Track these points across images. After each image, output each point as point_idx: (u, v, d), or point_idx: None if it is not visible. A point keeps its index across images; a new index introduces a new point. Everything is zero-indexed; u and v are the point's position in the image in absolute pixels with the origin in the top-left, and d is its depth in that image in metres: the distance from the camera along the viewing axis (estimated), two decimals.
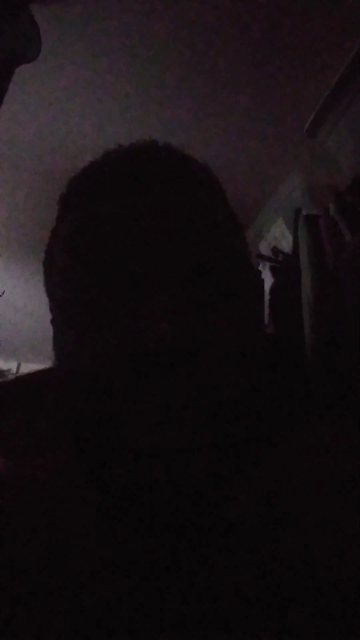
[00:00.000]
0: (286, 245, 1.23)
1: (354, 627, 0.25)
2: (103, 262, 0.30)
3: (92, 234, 0.31)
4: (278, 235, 1.35)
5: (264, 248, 1.34)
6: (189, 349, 0.28)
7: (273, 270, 1.04)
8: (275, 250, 1.18)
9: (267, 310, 0.90)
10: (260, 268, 1.09)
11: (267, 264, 1.09)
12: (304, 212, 1.05)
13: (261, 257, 1.14)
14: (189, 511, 0.28)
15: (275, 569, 0.27)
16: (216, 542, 0.29)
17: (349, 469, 0.31)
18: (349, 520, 0.29)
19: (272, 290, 0.95)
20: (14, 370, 2.83)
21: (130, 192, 0.32)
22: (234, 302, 0.32)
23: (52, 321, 0.38)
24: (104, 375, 0.28)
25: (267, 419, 0.33)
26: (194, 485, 0.27)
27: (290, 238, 1.12)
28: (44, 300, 0.39)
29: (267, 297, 0.92)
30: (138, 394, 0.27)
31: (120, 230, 0.30)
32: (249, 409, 0.30)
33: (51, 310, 0.38)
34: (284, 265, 1.04)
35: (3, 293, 1.98)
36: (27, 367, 2.79)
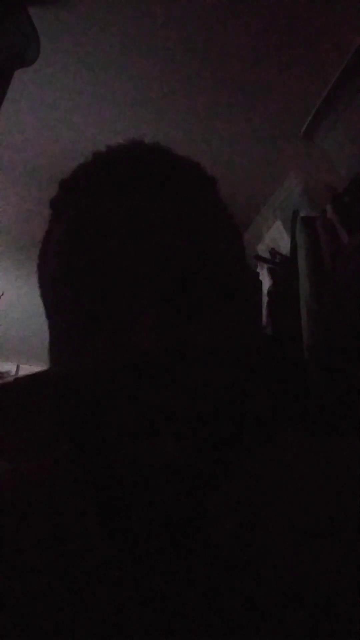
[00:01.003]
0: (284, 246, 1.23)
1: (328, 634, 0.25)
2: (92, 267, 0.30)
3: (80, 238, 0.31)
4: (276, 236, 1.35)
5: (262, 250, 1.34)
6: (174, 357, 0.27)
7: (271, 271, 1.04)
8: (273, 252, 1.19)
9: (265, 312, 0.90)
10: (258, 270, 1.09)
11: (265, 266, 1.10)
12: (301, 214, 1.05)
13: (259, 258, 1.14)
14: (173, 515, 0.28)
15: (249, 579, 0.27)
16: (194, 548, 0.29)
17: (327, 480, 0.31)
18: (325, 531, 0.28)
19: (270, 291, 0.96)
20: (12, 372, 2.83)
21: (121, 196, 0.31)
22: (226, 306, 0.31)
23: (48, 324, 0.37)
24: (92, 381, 0.28)
25: (257, 422, 0.34)
26: (177, 491, 0.27)
27: (288, 240, 1.12)
28: None
29: (264, 298, 0.92)
30: (123, 401, 0.27)
31: (108, 235, 0.30)
32: (236, 415, 0.30)
33: (46, 314, 0.37)
34: (281, 266, 1.05)
35: (2, 294, 1.98)
36: (26, 369, 2.78)
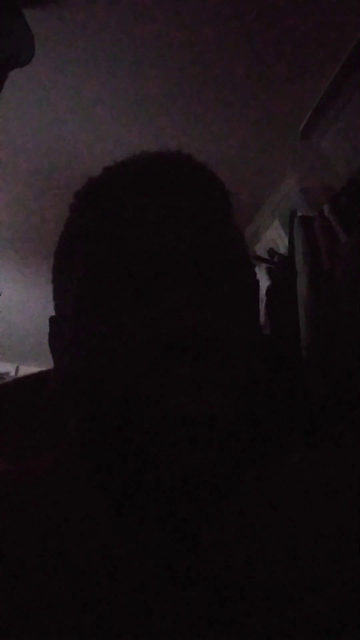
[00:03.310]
0: (282, 246, 1.24)
1: None
2: (131, 257, 0.32)
3: (119, 229, 0.33)
4: (274, 236, 1.35)
5: (260, 249, 1.34)
6: (211, 338, 0.29)
7: (269, 271, 1.05)
8: (271, 252, 1.19)
9: (263, 311, 0.91)
10: (256, 269, 1.09)
11: (263, 266, 1.10)
12: (299, 214, 1.06)
13: (257, 258, 1.15)
14: (185, 510, 0.29)
15: (243, 591, 0.28)
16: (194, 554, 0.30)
17: (333, 495, 0.33)
18: (326, 549, 0.30)
19: (268, 291, 0.96)
20: (12, 373, 2.83)
21: (153, 195, 0.34)
22: (239, 301, 0.34)
23: (56, 318, 0.38)
24: (129, 364, 0.30)
25: (259, 425, 0.35)
26: (200, 476, 0.28)
27: (286, 239, 1.13)
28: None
29: (263, 298, 0.93)
30: (165, 380, 0.29)
31: (145, 228, 0.33)
32: (260, 398, 0.32)
33: (60, 304, 0.39)
34: (279, 266, 1.05)
35: (1, 294, 1.98)
36: (26, 370, 2.78)
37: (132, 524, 0.31)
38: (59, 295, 0.38)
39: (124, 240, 0.32)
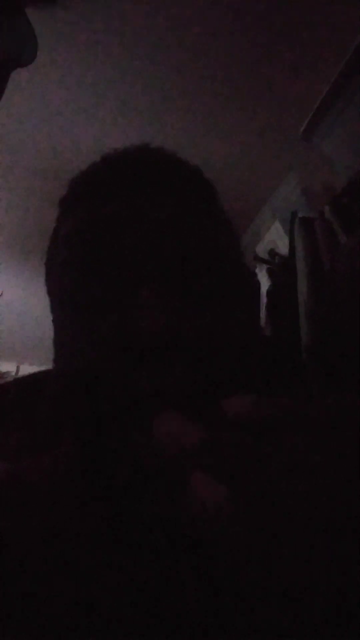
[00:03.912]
0: (283, 247, 1.24)
1: None
2: (100, 258, 0.32)
3: (90, 232, 0.33)
4: (275, 237, 1.36)
5: (261, 250, 1.34)
6: (177, 338, 0.29)
7: (270, 272, 1.05)
8: (272, 253, 1.19)
9: (263, 312, 0.91)
10: (257, 270, 1.10)
11: (264, 266, 1.10)
12: (300, 215, 1.06)
13: (258, 259, 1.15)
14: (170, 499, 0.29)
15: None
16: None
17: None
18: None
19: (269, 292, 0.96)
20: (12, 372, 2.83)
21: (126, 194, 0.34)
22: (220, 302, 0.33)
23: (54, 320, 0.38)
24: (100, 365, 0.30)
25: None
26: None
27: (287, 241, 1.13)
28: (44, 302, 0.40)
29: (263, 299, 0.93)
30: (131, 380, 0.29)
31: (116, 229, 0.32)
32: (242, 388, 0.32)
33: (52, 309, 0.39)
34: (280, 267, 1.05)
35: (2, 294, 1.98)
36: (26, 369, 2.78)
37: (128, 525, 0.31)
38: (51, 301, 0.39)
39: (95, 243, 0.33)
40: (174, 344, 0.29)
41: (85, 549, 0.30)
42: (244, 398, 0.22)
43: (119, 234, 0.32)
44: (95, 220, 0.33)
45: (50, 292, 0.39)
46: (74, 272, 0.33)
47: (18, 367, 2.93)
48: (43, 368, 0.50)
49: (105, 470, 0.32)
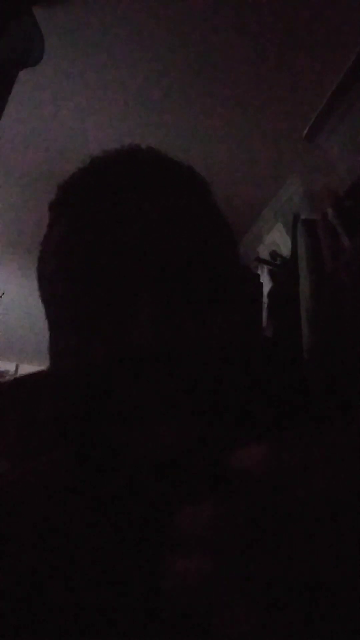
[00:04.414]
0: (285, 249, 1.23)
1: None
2: (90, 267, 0.31)
3: (78, 240, 0.32)
4: (277, 239, 1.35)
5: (263, 252, 1.34)
6: (170, 352, 0.28)
7: (271, 274, 1.04)
8: (274, 254, 1.19)
9: (265, 314, 0.90)
10: (259, 272, 1.09)
11: (266, 268, 1.10)
12: (302, 217, 1.05)
13: (260, 260, 1.15)
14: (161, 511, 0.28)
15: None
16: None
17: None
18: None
19: (271, 293, 0.96)
20: (12, 371, 2.83)
21: (118, 198, 0.32)
22: (219, 307, 0.32)
23: (48, 325, 0.38)
24: (94, 375, 0.29)
25: (256, 422, 0.34)
26: (168, 484, 0.28)
27: (288, 242, 1.12)
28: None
29: (265, 300, 0.92)
30: (122, 394, 0.28)
31: (106, 236, 0.31)
32: (232, 411, 0.31)
33: (46, 315, 0.38)
34: (282, 269, 1.05)
35: (2, 294, 1.98)
36: (26, 369, 2.78)
37: (123, 530, 0.30)
38: (43, 304, 0.38)
39: (86, 251, 0.31)
40: (170, 358, 0.28)
41: (81, 549, 0.30)
42: (254, 450, 0.19)
43: (110, 241, 0.31)
44: (84, 227, 0.32)
45: (43, 298, 0.38)
46: (64, 282, 0.32)
47: (17, 366, 2.93)
48: (43, 367, 0.50)
49: (100, 474, 0.32)
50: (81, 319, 0.31)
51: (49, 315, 0.37)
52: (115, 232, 0.31)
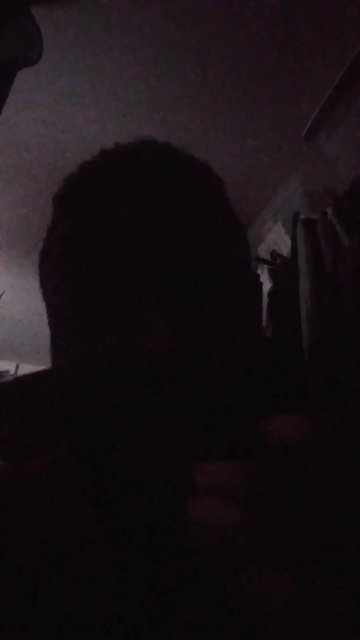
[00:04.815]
0: (284, 249, 1.23)
1: None
2: (100, 268, 0.29)
3: (88, 237, 0.30)
4: (276, 238, 1.35)
5: (263, 251, 1.34)
6: (188, 360, 0.27)
7: (271, 273, 1.04)
8: (274, 254, 1.19)
9: (265, 314, 0.90)
10: (258, 271, 1.09)
11: (266, 268, 1.10)
12: (302, 216, 1.05)
13: (259, 260, 1.14)
14: (168, 516, 0.28)
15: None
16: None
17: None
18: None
19: (271, 293, 0.96)
20: (12, 371, 2.83)
21: (129, 194, 0.30)
22: (233, 309, 0.31)
23: (49, 324, 0.37)
24: (99, 385, 0.28)
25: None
26: (176, 492, 0.27)
27: (288, 242, 1.12)
28: (44, 302, 0.39)
29: (265, 300, 0.92)
30: (134, 405, 0.27)
31: (118, 235, 0.29)
32: (249, 417, 0.30)
33: (48, 314, 0.37)
34: (282, 268, 1.05)
35: (3, 294, 1.98)
36: (26, 368, 2.78)
37: (121, 532, 0.30)
38: (45, 303, 0.37)
39: (93, 251, 0.29)
40: (181, 371, 0.27)
41: (82, 550, 0.30)
42: (288, 418, 0.19)
43: (119, 240, 0.29)
44: (93, 224, 0.30)
45: (45, 297, 0.37)
46: (68, 282, 0.30)
47: (17, 366, 2.93)
48: (43, 367, 0.50)
49: (103, 472, 0.32)
50: (91, 320, 0.29)
51: (52, 313, 0.35)
52: (127, 231, 0.29)
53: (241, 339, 0.31)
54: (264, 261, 1.12)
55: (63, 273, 0.31)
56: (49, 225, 0.37)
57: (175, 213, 0.30)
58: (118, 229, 0.29)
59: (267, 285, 1.00)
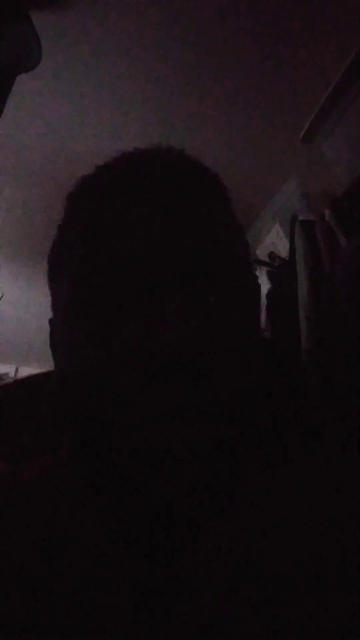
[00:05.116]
0: (283, 250, 1.24)
1: None
2: (117, 264, 0.30)
3: (107, 234, 0.31)
4: (275, 240, 1.36)
5: (261, 253, 1.34)
6: (205, 352, 0.28)
7: (270, 275, 1.05)
8: (272, 255, 1.19)
9: (263, 315, 0.91)
10: (257, 273, 1.10)
11: (264, 269, 1.10)
12: (300, 218, 1.06)
13: (258, 262, 1.15)
14: (182, 517, 0.28)
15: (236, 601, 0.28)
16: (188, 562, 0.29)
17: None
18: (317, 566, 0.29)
19: (269, 294, 0.96)
20: (11, 373, 2.82)
21: (148, 195, 0.32)
22: (238, 308, 0.32)
23: (53, 320, 0.37)
24: (115, 378, 0.28)
25: (260, 427, 0.34)
26: (197, 487, 0.27)
27: (286, 243, 1.13)
28: (43, 303, 0.39)
29: (263, 301, 0.93)
30: (152, 396, 0.27)
31: (136, 233, 0.30)
32: (258, 411, 0.31)
33: (54, 309, 0.38)
34: (280, 270, 1.05)
35: (2, 296, 1.98)
36: (25, 371, 2.78)
37: (123, 532, 0.30)
38: (54, 299, 0.38)
39: (110, 247, 0.30)
40: (204, 358, 0.28)
41: (78, 552, 0.30)
42: None
43: (137, 238, 0.30)
44: (114, 219, 0.31)
45: (53, 290, 0.37)
46: (86, 277, 0.31)
47: (17, 369, 2.93)
48: (42, 369, 0.50)
49: (104, 473, 0.32)
50: (105, 316, 0.30)
51: (63, 308, 0.36)
52: (146, 230, 0.30)
53: (245, 335, 0.32)
54: (262, 263, 1.13)
55: (78, 270, 0.32)
56: (61, 221, 0.38)
57: (189, 214, 0.32)
58: (138, 226, 0.31)
59: (265, 287, 1.00)
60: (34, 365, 2.57)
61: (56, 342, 0.37)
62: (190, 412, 0.27)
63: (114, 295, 0.30)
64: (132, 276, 0.30)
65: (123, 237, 0.30)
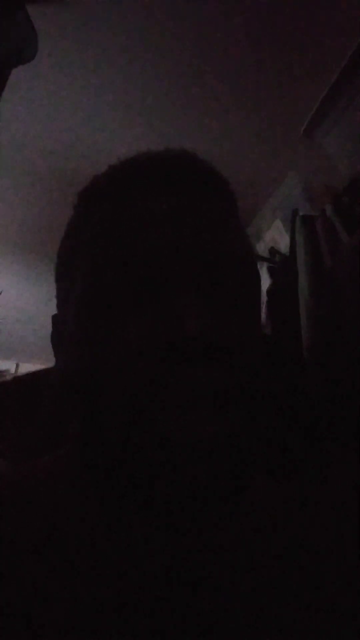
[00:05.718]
0: (283, 246, 1.23)
1: None
2: (136, 258, 0.31)
3: (125, 230, 0.32)
4: (275, 236, 1.35)
5: (262, 249, 1.34)
6: (221, 342, 0.29)
7: (270, 271, 1.04)
8: (273, 251, 1.19)
9: (264, 311, 0.91)
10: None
11: (265, 265, 1.10)
12: (301, 213, 1.05)
13: (259, 257, 1.15)
14: (193, 513, 0.29)
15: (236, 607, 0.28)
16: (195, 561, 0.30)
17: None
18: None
19: (270, 291, 0.96)
20: (12, 370, 2.83)
21: (166, 194, 0.34)
22: (244, 305, 0.33)
23: (58, 316, 0.37)
24: (132, 367, 0.29)
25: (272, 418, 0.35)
26: (211, 481, 0.28)
27: (287, 239, 1.12)
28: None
29: (264, 298, 0.92)
30: (168, 385, 0.28)
31: (154, 229, 0.32)
32: (264, 408, 0.32)
33: (61, 305, 0.38)
34: (281, 266, 1.05)
35: (1, 293, 1.98)
36: (26, 368, 2.78)
37: (128, 528, 0.31)
38: (62, 294, 0.38)
39: (127, 242, 0.32)
40: (216, 350, 0.29)
41: (82, 550, 0.30)
42: None
43: (156, 233, 0.31)
44: (130, 215, 0.33)
45: (61, 286, 0.38)
46: (103, 272, 0.32)
47: (17, 365, 2.93)
48: (42, 366, 0.50)
49: (103, 477, 0.32)
50: (123, 308, 0.31)
51: (67, 301, 0.36)
52: (164, 226, 0.32)
53: (253, 330, 0.34)
54: (263, 258, 1.12)
55: (94, 263, 0.33)
56: (73, 217, 0.39)
57: (208, 215, 0.34)
58: (149, 224, 0.32)
59: (266, 283, 1.00)
60: (34, 362, 2.57)
61: (60, 338, 0.37)
62: (205, 402, 0.28)
63: (131, 287, 0.31)
64: (149, 270, 0.31)
65: (142, 233, 0.32)
